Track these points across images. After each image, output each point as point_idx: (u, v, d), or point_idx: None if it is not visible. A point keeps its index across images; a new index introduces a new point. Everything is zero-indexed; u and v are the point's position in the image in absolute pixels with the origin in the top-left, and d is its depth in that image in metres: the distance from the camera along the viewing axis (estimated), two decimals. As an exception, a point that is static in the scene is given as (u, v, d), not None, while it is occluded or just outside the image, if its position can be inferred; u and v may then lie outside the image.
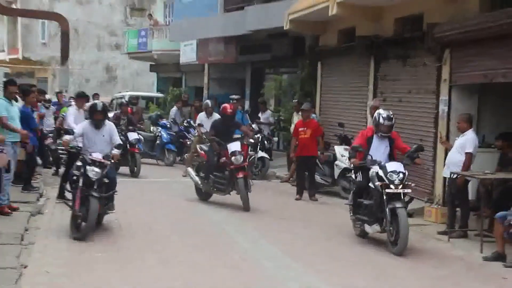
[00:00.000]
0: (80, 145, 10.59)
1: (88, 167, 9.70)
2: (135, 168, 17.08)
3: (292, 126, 16.69)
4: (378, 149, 10.41)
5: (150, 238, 10.10)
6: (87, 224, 9.56)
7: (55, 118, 18.23)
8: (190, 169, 14.40)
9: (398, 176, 9.76)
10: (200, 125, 17.75)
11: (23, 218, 10.74)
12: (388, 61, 15.89)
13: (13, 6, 41.52)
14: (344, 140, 15.92)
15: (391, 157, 10.39)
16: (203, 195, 13.83)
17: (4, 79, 13.66)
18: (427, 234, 11.20)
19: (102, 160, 9.95)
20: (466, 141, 11.20)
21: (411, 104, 14.64)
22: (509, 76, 11.59)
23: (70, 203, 10.06)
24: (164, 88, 32.38)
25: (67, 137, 10.54)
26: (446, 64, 13.44)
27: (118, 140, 10.67)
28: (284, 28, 18.86)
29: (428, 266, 9.06)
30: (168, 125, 20.65)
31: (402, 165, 10.06)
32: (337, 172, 15.29)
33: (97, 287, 7.45)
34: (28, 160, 13.21)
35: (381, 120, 10.42)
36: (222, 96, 26.44)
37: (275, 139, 21.11)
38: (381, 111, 10.75)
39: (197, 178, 13.76)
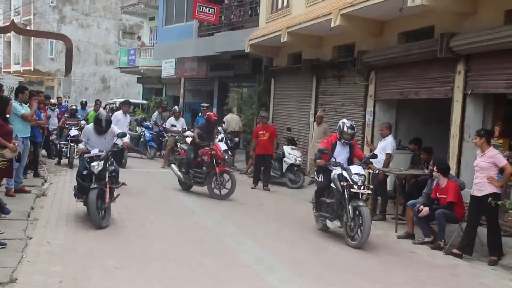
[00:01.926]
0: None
1: (91, 164, 9.05)
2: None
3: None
4: (340, 154, 9.62)
5: (133, 218, 9.96)
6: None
7: (59, 119, 18.00)
8: (173, 166, 13.87)
9: (361, 178, 9.05)
10: (174, 125, 17.89)
11: (30, 198, 10.54)
12: (327, 79, 16.02)
13: (28, 27, 40.88)
14: (291, 141, 15.94)
15: (350, 162, 9.67)
16: (185, 186, 13.44)
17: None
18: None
19: (98, 154, 9.23)
20: (386, 144, 11.32)
21: (344, 114, 14.68)
22: (420, 94, 11.79)
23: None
24: (148, 96, 32.09)
25: (81, 146, 9.61)
26: (372, 83, 13.59)
27: (118, 131, 9.95)
28: (245, 51, 18.90)
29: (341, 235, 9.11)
30: (151, 126, 20.48)
31: (363, 169, 9.38)
32: (285, 166, 15.27)
33: (88, 254, 7.35)
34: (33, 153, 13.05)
35: (345, 129, 9.59)
36: (195, 104, 26.40)
37: (236, 139, 21.04)
38: (345, 120, 9.84)
39: (179, 173, 13.31)
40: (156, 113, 21.13)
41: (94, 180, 9.02)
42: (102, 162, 9.17)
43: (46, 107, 16.32)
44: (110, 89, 45.64)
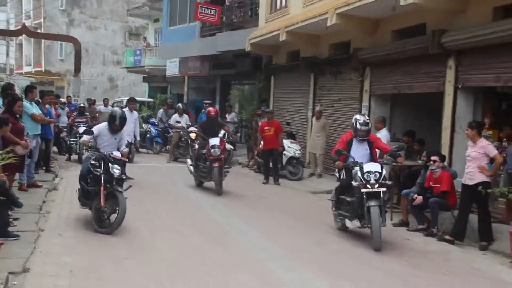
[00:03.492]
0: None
1: (111, 165, 8.17)
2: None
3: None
4: (358, 152, 8.61)
5: (141, 210, 9.94)
6: (118, 218, 7.97)
7: (68, 117, 18.07)
8: (189, 160, 13.44)
9: (374, 175, 8.08)
10: (178, 121, 17.87)
11: (42, 193, 10.58)
12: (324, 76, 15.98)
13: (38, 30, 40.83)
14: (290, 136, 15.91)
15: (371, 158, 8.64)
16: (197, 181, 12.99)
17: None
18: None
19: (123, 159, 8.53)
20: (381, 137, 11.17)
21: (341, 109, 14.75)
22: (413, 88, 11.77)
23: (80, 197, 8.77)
24: (154, 94, 32.05)
25: (86, 138, 8.66)
26: (367, 79, 13.57)
27: (126, 140, 9.27)
28: (246, 50, 18.85)
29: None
30: (156, 123, 20.51)
31: (379, 165, 8.32)
32: (285, 159, 15.20)
33: (99, 245, 7.38)
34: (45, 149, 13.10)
35: (358, 126, 8.63)
36: (198, 101, 26.37)
37: (238, 134, 21.04)
38: (357, 116, 8.87)
39: (191, 167, 13.02)
40: (161, 110, 21.14)
41: (104, 182, 8.16)
42: (122, 168, 8.40)
43: (57, 106, 16.38)
44: (118, 88, 45.59)
